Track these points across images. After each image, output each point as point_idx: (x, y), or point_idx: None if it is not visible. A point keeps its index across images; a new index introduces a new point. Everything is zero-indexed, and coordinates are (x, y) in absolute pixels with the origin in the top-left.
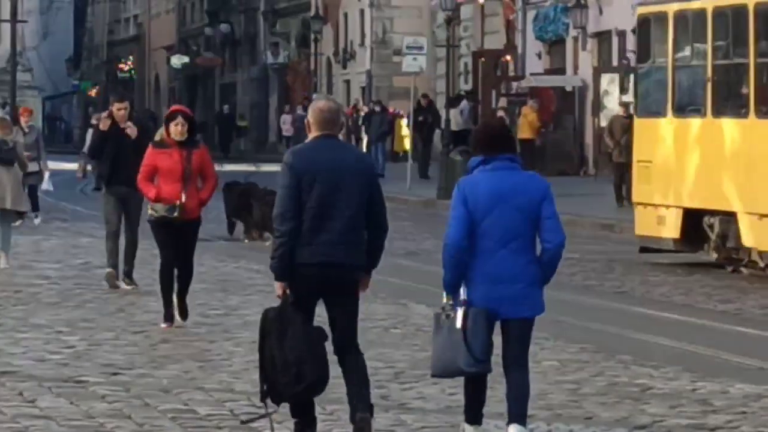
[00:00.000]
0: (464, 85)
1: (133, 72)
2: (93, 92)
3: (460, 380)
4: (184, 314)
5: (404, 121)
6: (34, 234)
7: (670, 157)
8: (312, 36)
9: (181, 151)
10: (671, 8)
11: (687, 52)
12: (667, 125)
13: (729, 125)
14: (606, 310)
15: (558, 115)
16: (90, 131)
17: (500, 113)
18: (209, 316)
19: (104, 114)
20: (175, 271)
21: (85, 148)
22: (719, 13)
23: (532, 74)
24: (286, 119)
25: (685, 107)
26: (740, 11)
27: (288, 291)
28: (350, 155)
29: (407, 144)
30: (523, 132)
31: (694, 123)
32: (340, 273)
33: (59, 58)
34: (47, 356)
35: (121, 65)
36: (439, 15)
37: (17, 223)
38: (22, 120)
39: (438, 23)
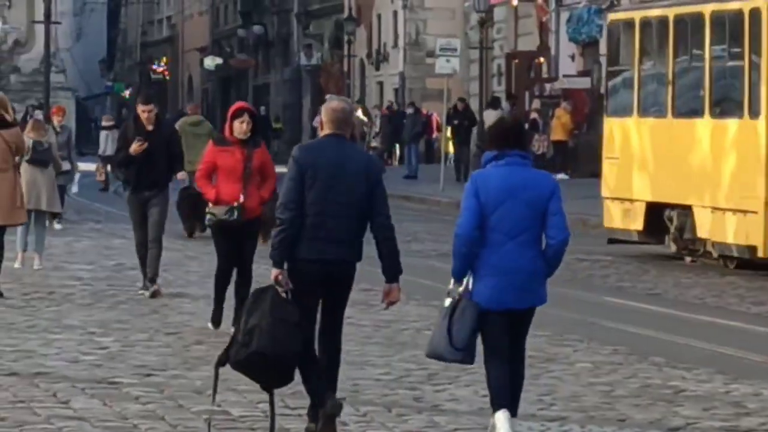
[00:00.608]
0: (497, 87)
1: (166, 73)
2: (126, 93)
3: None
4: None
5: None
6: (66, 235)
7: (635, 154)
8: (345, 37)
9: (242, 150)
10: (637, 15)
11: (651, 56)
12: (632, 125)
13: (686, 125)
14: (639, 312)
15: (591, 116)
16: (102, 133)
17: (534, 115)
18: None
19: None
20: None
21: (101, 151)
22: (679, 20)
23: (565, 76)
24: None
25: (649, 108)
26: (697, 18)
27: (282, 278)
28: (355, 155)
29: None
30: (556, 134)
31: (657, 123)
32: (337, 269)
33: (92, 60)
34: (81, 357)
35: (155, 66)
36: (473, 17)
37: (59, 226)
38: (55, 119)
39: (471, 25)
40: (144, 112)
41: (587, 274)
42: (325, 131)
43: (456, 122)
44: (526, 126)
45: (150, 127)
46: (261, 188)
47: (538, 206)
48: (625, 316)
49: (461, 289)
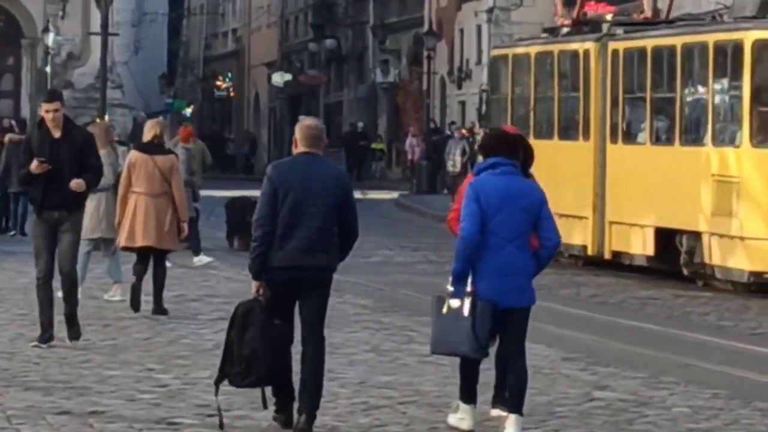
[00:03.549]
0: None
1: (230, 90)
2: (188, 111)
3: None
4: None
5: None
6: (122, 264)
7: None
8: (424, 53)
9: None
10: (511, 51)
11: (519, 86)
12: None
13: (544, 146)
14: (741, 353)
15: None
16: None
17: None
18: None
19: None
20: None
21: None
22: (538, 57)
23: None
24: (412, 141)
25: (519, 130)
26: (548, 56)
27: (262, 290)
28: (325, 170)
29: None
30: None
31: None
32: (306, 275)
33: (151, 74)
34: (138, 395)
35: (218, 83)
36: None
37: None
38: (186, 143)
39: None
40: (48, 112)
41: (685, 312)
42: (299, 149)
43: None
44: None
45: (57, 134)
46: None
47: (532, 212)
48: (726, 357)
49: (469, 289)
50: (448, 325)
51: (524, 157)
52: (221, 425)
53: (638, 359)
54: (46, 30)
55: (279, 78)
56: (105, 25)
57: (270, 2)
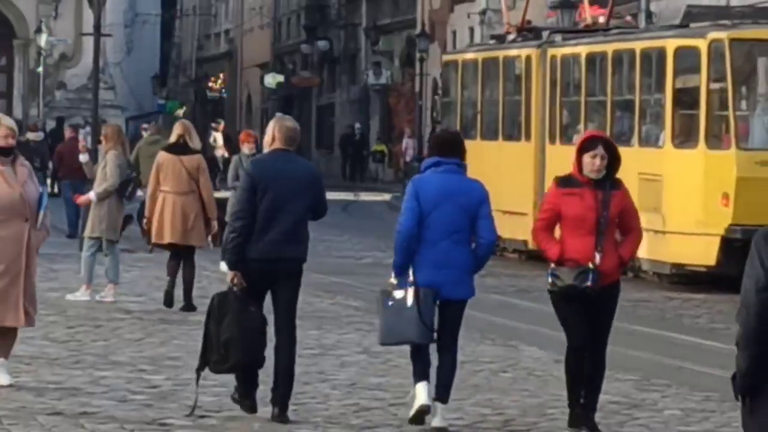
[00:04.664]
0: None
1: (223, 91)
2: (180, 113)
3: None
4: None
5: None
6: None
7: None
8: (417, 55)
9: (595, 193)
10: (461, 57)
11: (468, 90)
12: None
13: (489, 146)
14: (733, 356)
15: None
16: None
17: None
18: (303, 356)
19: None
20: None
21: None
22: (485, 62)
23: None
24: (409, 143)
25: (468, 131)
26: (495, 61)
27: (237, 279)
28: (300, 167)
29: None
30: None
31: (472, 144)
32: (282, 266)
33: (144, 75)
34: (129, 396)
35: (211, 84)
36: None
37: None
38: (246, 147)
39: None
40: None
41: (677, 314)
42: (276, 145)
43: None
44: None
45: None
46: (620, 245)
47: (470, 210)
48: (718, 359)
49: (410, 279)
50: (394, 316)
51: (611, 161)
52: (193, 410)
53: (630, 361)
54: (38, 30)
55: (271, 79)
56: (97, 25)
57: (263, 4)
